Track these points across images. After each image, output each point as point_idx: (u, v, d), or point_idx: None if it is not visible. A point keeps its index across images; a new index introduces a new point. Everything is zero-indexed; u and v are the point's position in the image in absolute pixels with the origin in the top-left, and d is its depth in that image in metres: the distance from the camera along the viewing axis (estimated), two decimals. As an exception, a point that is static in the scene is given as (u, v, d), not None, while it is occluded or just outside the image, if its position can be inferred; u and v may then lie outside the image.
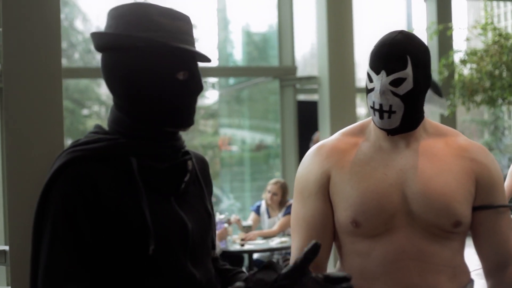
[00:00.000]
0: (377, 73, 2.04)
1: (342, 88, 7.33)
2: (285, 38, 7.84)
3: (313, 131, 8.49)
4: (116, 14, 1.75)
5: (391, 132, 2.10)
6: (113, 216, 1.67)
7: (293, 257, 2.20)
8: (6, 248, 3.87)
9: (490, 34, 7.74)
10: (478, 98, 7.87)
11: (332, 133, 7.22)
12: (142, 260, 1.70)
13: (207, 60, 1.79)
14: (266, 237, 6.36)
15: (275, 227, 6.46)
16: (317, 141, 8.27)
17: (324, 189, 2.17)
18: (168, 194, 1.78)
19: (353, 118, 7.39)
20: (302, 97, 8.67)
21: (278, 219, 6.48)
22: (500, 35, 7.65)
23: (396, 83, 2.02)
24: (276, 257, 6.45)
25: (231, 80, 9.38)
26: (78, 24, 15.06)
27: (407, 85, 2.02)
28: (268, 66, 8.62)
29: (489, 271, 2.21)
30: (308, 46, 10.83)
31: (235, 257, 6.19)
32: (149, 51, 1.71)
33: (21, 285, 3.84)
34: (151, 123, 1.76)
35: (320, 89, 7.52)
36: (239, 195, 9.80)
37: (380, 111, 2.05)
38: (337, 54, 7.32)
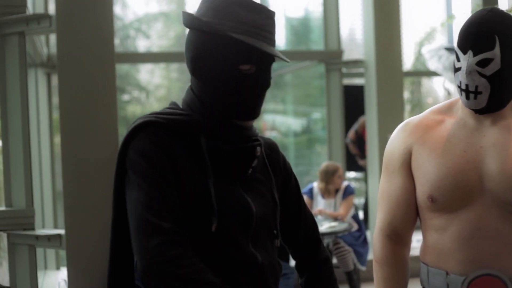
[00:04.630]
0: (464, 52, 2.02)
1: (389, 72, 7.24)
2: (330, 21, 7.75)
3: (359, 116, 8.41)
4: None
5: (478, 112, 2.09)
6: (182, 187, 1.71)
7: (377, 228, 2.30)
8: (62, 232, 3.91)
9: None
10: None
11: (379, 117, 7.20)
12: (203, 237, 1.73)
13: (285, 60, 1.81)
14: (335, 218, 6.39)
15: (341, 210, 6.46)
16: (363, 125, 8.25)
17: (407, 165, 2.21)
18: (234, 177, 1.80)
19: (401, 102, 7.30)
20: (347, 81, 8.59)
21: (337, 201, 6.50)
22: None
23: (483, 63, 2.00)
24: (326, 241, 6.42)
25: (273, 65, 9.29)
26: (118, 10, 15.15)
27: (494, 66, 1.99)
28: (313, 50, 8.53)
29: None
30: (348, 30, 10.75)
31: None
32: (213, 38, 1.74)
33: (76, 267, 3.88)
34: (217, 111, 1.79)
35: (366, 73, 7.43)
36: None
37: (466, 92, 2.04)
38: (384, 37, 7.22)
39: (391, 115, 7.22)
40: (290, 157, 9.38)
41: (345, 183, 6.65)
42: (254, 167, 1.84)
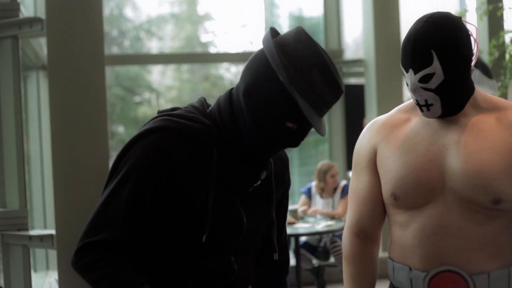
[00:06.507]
0: (407, 71, 2.03)
1: (388, 71, 7.26)
2: (331, 21, 7.79)
3: (361, 115, 8.43)
4: (297, 37, 1.77)
5: (437, 118, 2.11)
6: (179, 194, 1.77)
7: (346, 227, 2.33)
8: (53, 232, 3.97)
9: (542, 13, 7.53)
10: (530, 79, 7.68)
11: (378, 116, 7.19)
12: (191, 244, 1.80)
13: (320, 134, 1.80)
14: (332, 217, 6.45)
15: (339, 209, 6.52)
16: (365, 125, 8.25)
17: (373, 163, 2.23)
18: (235, 191, 1.85)
19: (400, 101, 7.30)
20: (353, 80, 8.61)
21: (335, 200, 6.54)
22: (552, 13, 7.44)
23: (425, 79, 2.00)
24: (324, 240, 6.46)
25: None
26: (128, 12, 15.23)
27: (438, 78, 1.99)
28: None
29: None
30: (358, 30, 10.74)
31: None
32: (280, 85, 1.73)
33: (67, 267, 3.93)
34: (242, 140, 1.80)
35: (366, 72, 7.46)
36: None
37: (419, 106, 2.06)
38: (383, 36, 7.24)
39: (391, 114, 7.22)
40: (295, 157, 9.40)
41: (343, 182, 6.68)
42: (256, 186, 1.89)
